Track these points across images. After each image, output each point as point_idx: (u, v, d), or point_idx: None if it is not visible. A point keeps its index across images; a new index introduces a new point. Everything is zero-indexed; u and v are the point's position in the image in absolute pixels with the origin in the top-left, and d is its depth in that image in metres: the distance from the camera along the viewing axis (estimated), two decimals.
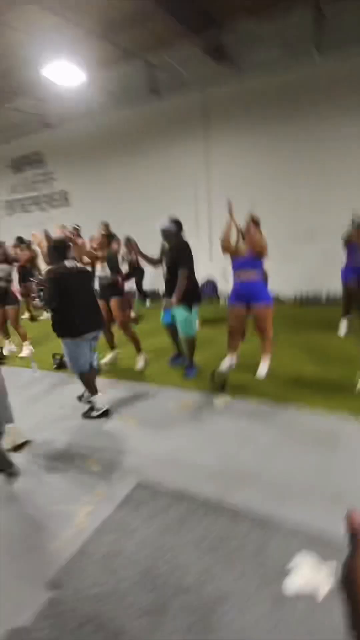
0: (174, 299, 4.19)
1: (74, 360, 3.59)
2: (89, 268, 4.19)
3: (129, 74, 8.13)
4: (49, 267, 3.65)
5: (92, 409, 3.72)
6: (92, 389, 3.72)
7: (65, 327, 3.50)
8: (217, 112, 8.21)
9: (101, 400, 3.75)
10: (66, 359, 3.68)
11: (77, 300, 3.52)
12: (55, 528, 2.38)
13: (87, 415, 3.72)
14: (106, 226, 5.37)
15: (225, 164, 8.28)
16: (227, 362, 4.30)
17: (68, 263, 3.54)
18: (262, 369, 4.21)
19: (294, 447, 2.97)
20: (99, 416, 3.68)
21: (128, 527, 2.29)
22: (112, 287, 4.70)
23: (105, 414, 3.70)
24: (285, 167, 7.69)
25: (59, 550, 2.20)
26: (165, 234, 4.33)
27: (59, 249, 3.57)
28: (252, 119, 7.85)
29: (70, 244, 3.84)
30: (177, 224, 4.32)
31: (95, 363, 3.84)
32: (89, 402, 3.79)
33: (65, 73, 6.56)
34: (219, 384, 3.95)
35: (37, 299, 7.98)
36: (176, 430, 3.36)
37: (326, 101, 7.08)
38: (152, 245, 4.68)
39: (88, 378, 3.70)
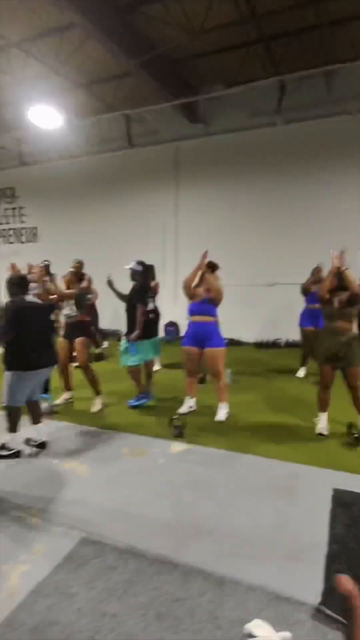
0: (133, 335, 4.39)
1: (11, 393, 3.40)
2: (52, 304, 4.12)
3: (107, 124, 8.51)
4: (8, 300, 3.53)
5: (2, 446, 3.48)
6: (12, 427, 3.49)
7: (17, 359, 3.36)
8: (187, 164, 8.65)
9: (16, 440, 3.51)
10: (4, 389, 3.42)
11: (33, 335, 3.41)
12: None
13: None
14: (79, 263, 5.33)
15: (193, 212, 8.62)
16: (186, 405, 4.20)
17: (27, 297, 3.51)
18: (221, 413, 4.14)
19: (251, 497, 2.83)
20: (7, 457, 3.44)
21: (68, 591, 2.03)
22: (79, 326, 4.59)
23: (15, 455, 3.46)
24: (249, 217, 8.11)
25: None
26: (133, 273, 4.59)
27: (19, 284, 3.54)
28: (219, 172, 8.33)
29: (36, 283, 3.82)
30: (144, 266, 4.55)
31: (38, 399, 3.70)
32: (39, 445, 3.57)
33: (46, 117, 6.75)
34: (177, 428, 3.80)
35: None
36: (129, 478, 3.14)
37: (287, 160, 7.70)
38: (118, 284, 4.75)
39: (14, 415, 3.48)
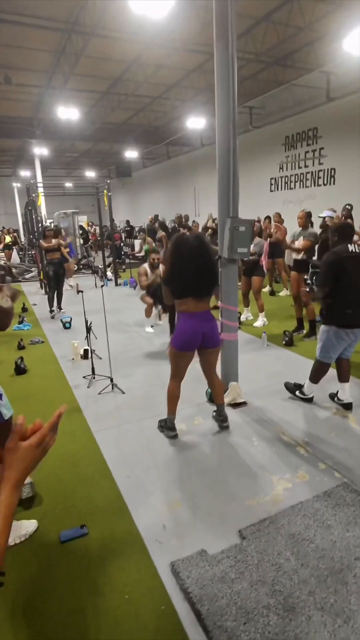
0: None
1: (325, 348, 3.33)
2: None
3: None
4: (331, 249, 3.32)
5: (299, 387, 3.68)
6: (316, 378, 3.52)
7: (333, 314, 3.23)
8: None
9: (311, 389, 3.61)
10: (319, 343, 3.39)
11: (353, 289, 3.14)
12: (254, 488, 2.52)
13: (289, 387, 3.75)
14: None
15: None
16: None
17: (350, 247, 3.19)
18: None
19: None
20: (299, 397, 3.64)
21: (324, 522, 2.19)
22: None
23: (308, 400, 3.60)
24: None
25: (253, 508, 2.34)
26: None
27: (343, 233, 3.31)
28: None
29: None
30: None
31: (349, 357, 3.47)
32: (345, 405, 3.51)
33: None
34: None
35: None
36: None
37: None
38: None
39: (321, 368, 3.44)
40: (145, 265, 5.80)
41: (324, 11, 6.90)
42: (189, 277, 2.87)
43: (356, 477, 2.58)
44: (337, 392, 3.58)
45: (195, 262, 2.86)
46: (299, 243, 5.22)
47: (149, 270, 5.72)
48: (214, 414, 3.34)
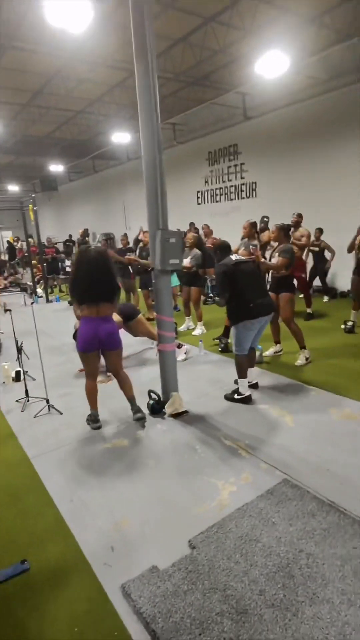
0: None
1: (239, 342, 3.76)
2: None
3: (339, 57, 7.66)
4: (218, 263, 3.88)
5: (235, 391, 3.83)
6: (242, 373, 3.80)
7: (239, 313, 3.68)
8: None
9: (245, 386, 3.80)
10: (233, 341, 3.87)
11: (245, 288, 3.66)
12: (200, 495, 2.54)
13: (228, 397, 3.86)
14: (299, 216, 5.27)
15: None
16: None
17: (233, 257, 3.81)
18: None
19: None
20: (240, 400, 3.78)
21: (269, 520, 2.26)
22: (284, 282, 4.60)
23: (246, 400, 3.77)
24: None
25: (201, 516, 2.35)
26: None
27: (222, 249, 3.93)
28: None
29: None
30: None
31: (256, 349, 3.95)
32: (253, 386, 3.96)
33: (272, 64, 6.55)
34: None
35: (209, 297, 8.27)
36: (334, 437, 3.11)
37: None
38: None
39: (242, 361, 3.79)
40: None
41: (235, 36, 7.35)
42: (87, 286, 3.24)
43: (294, 471, 2.71)
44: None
45: (93, 272, 3.22)
46: (275, 260, 4.55)
47: None
48: (132, 410, 3.59)
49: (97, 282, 3.23)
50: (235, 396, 3.82)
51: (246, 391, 3.81)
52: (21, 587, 1.97)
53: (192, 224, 11.04)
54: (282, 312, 4.63)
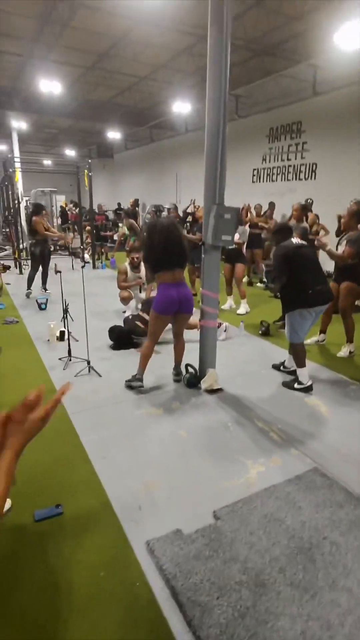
0: None
1: (294, 329, 3.64)
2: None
3: None
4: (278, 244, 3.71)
5: (295, 380, 3.73)
6: (300, 362, 3.69)
7: (296, 299, 3.54)
8: None
9: (305, 375, 3.70)
10: (287, 328, 3.72)
11: (305, 274, 3.49)
12: (228, 470, 2.58)
13: (288, 385, 3.76)
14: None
15: None
16: None
17: (294, 240, 3.67)
18: None
19: None
20: (301, 390, 3.68)
21: (295, 503, 2.27)
22: (350, 271, 4.39)
23: (307, 389, 3.67)
24: None
25: (228, 490, 2.39)
26: None
27: (283, 232, 3.79)
28: None
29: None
30: None
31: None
32: (291, 373, 3.90)
33: (352, 36, 6.09)
34: None
35: (263, 282, 8.03)
36: None
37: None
38: None
39: (299, 349, 3.68)
40: (126, 264, 5.70)
41: (314, 3, 6.88)
42: (162, 253, 3.34)
43: (325, 461, 2.68)
44: (284, 361, 4.10)
45: (167, 239, 3.33)
46: (342, 249, 4.34)
47: (129, 269, 5.62)
48: (173, 371, 3.86)
49: (171, 248, 3.35)
50: (296, 385, 3.71)
51: (307, 381, 3.69)
52: (54, 527, 2.12)
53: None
54: (341, 301, 4.42)
